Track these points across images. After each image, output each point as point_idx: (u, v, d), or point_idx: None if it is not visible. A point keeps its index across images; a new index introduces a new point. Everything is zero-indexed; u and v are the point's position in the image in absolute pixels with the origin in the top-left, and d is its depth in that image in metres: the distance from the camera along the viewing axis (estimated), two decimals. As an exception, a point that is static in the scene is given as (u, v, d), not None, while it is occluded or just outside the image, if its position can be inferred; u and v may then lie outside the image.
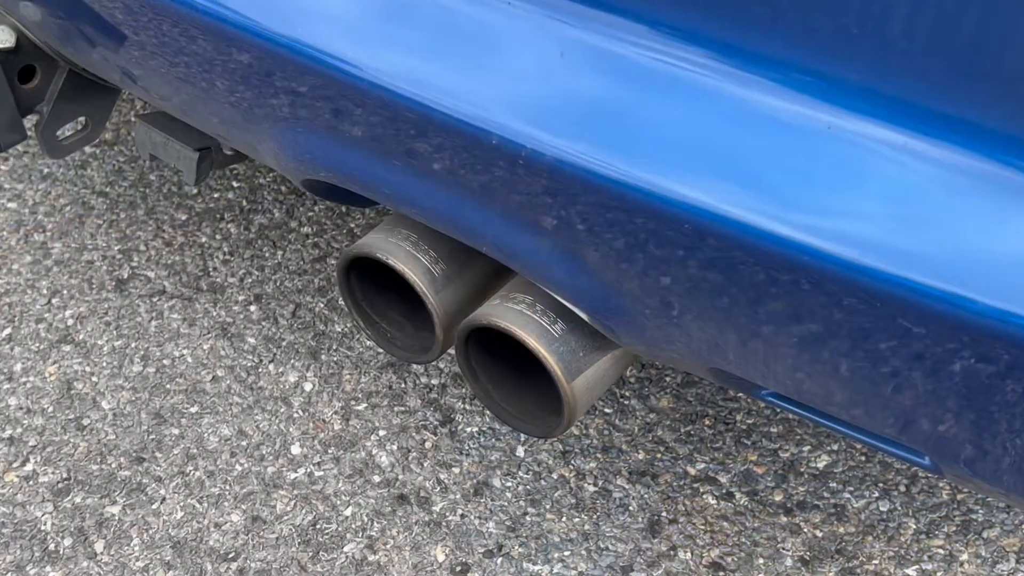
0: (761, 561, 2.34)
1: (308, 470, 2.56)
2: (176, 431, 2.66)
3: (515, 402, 2.10)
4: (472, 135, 1.53)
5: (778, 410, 2.64)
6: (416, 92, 1.58)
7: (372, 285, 2.26)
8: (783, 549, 2.36)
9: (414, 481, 2.53)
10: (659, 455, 2.57)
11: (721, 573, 2.33)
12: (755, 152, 1.40)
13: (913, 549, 2.35)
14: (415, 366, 2.75)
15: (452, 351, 2.53)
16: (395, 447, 2.61)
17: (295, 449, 2.61)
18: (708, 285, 1.45)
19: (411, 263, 2.04)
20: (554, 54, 1.51)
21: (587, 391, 1.88)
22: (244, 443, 2.63)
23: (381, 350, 2.77)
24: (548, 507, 2.47)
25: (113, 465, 2.59)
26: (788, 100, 1.38)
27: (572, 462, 2.56)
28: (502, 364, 2.13)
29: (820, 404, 1.57)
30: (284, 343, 2.85)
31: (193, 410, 2.71)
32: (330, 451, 2.60)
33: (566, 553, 2.38)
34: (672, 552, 2.37)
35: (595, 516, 2.45)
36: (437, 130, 1.58)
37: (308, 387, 2.76)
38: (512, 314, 1.90)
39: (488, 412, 2.65)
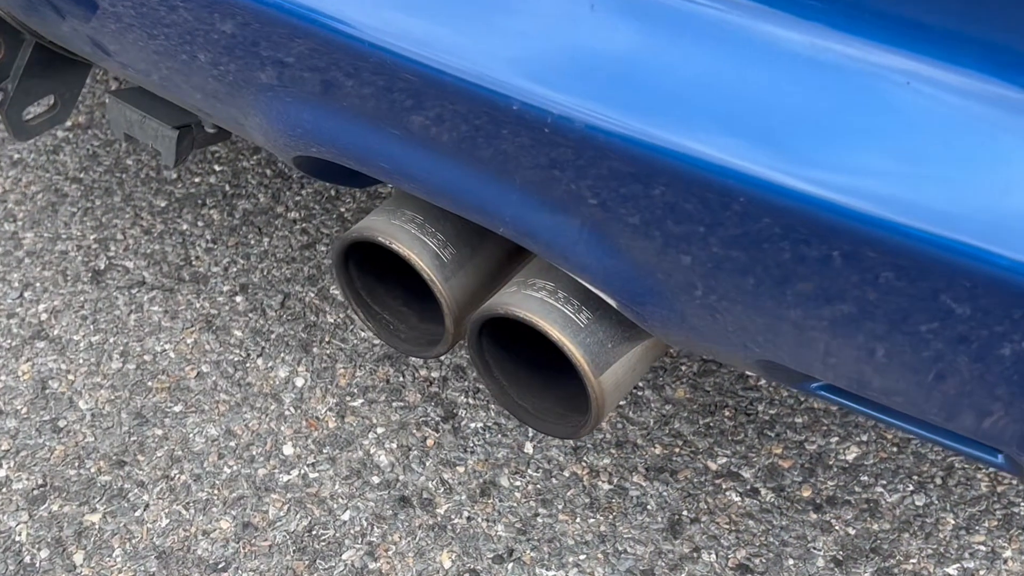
0: (791, 562, 2.19)
1: (302, 472, 2.39)
2: (159, 432, 2.48)
3: (534, 399, 1.92)
4: (490, 100, 1.36)
5: (820, 403, 2.49)
6: (424, 54, 1.41)
7: (372, 272, 2.09)
8: (814, 548, 2.20)
9: (416, 482, 2.36)
10: (677, 449, 2.41)
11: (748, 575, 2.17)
12: (816, 115, 1.23)
13: (953, 546, 2.20)
14: (414, 358, 2.57)
15: (462, 344, 2.36)
16: (394, 445, 2.44)
17: (287, 449, 2.44)
18: (762, 260, 1.28)
19: (417, 247, 1.87)
20: (583, 6, 1.34)
21: (616, 387, 1.71)
22: (232, 444, 2.45)
23: (379, 342, 2.60)
24: (561, 507, 2.30)
25: (92, 470, 2.41)
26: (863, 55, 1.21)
27: (585, 459, 2.40)
28: (518, 357, 1.96)
29: (884, 397, 1.40)
30: (273, 336, 2.68)
31: (177, 409, 2.53)
32: (325, 451, 2.43)
33: (581, 557, 2.21)
34: (695, 554, 2.20)
35: (611, 516, 2.28)
36: (448, 96, 1.40)
37: (300, 382, 2.58)
38: (532, 302, 1.72)
39: (494, 406, 2.48)
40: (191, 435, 2.47)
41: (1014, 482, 2.30)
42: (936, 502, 2.27)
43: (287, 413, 2.51)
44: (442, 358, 2.58)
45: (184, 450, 2.44)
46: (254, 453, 2.43)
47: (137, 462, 2.42)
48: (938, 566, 2.17)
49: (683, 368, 2.58)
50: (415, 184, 1.65)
